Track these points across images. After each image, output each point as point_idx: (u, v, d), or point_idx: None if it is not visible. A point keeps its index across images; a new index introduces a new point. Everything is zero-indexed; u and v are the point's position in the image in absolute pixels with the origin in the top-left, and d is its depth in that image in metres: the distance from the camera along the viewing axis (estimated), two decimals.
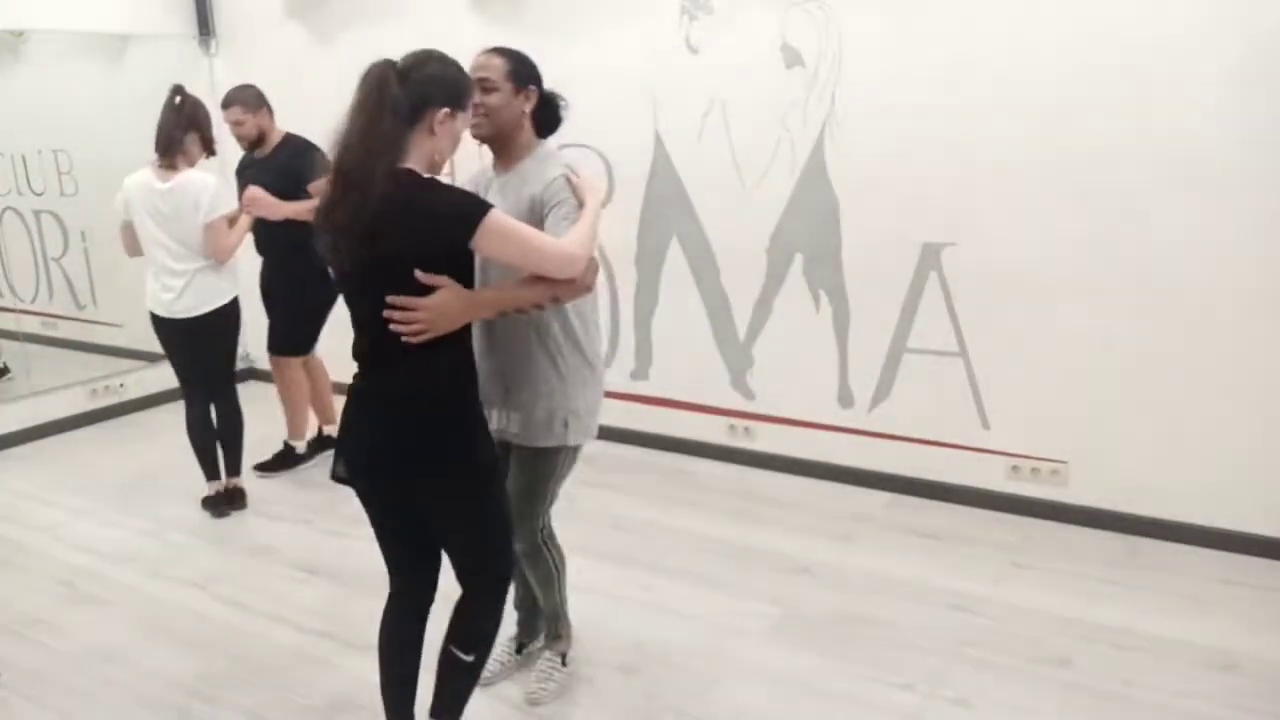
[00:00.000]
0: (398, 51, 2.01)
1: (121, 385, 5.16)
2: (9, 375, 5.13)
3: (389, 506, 2.12)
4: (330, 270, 1.99)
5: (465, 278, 1.96)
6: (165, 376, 5.09)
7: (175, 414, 4.14)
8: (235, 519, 3.86)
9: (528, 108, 2.27)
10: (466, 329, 2.01)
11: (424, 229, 1.87)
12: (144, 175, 3.59)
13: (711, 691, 2.61)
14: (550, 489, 2.42)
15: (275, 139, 4.05)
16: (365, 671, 2.76)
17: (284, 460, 4.35)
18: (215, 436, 3.88)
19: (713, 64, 3.92)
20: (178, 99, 3.58)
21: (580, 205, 2.17)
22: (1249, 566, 3.19)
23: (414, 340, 1.90)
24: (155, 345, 3.87)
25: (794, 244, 3.90)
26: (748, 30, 3.78)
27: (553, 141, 2.37)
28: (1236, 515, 3.27)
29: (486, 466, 2.05)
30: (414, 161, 1.91)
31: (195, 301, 3.62)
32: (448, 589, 2.17)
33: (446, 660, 2.15)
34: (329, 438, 4.44)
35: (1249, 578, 3.13)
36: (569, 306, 2.26)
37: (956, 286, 3.59)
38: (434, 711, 2.19)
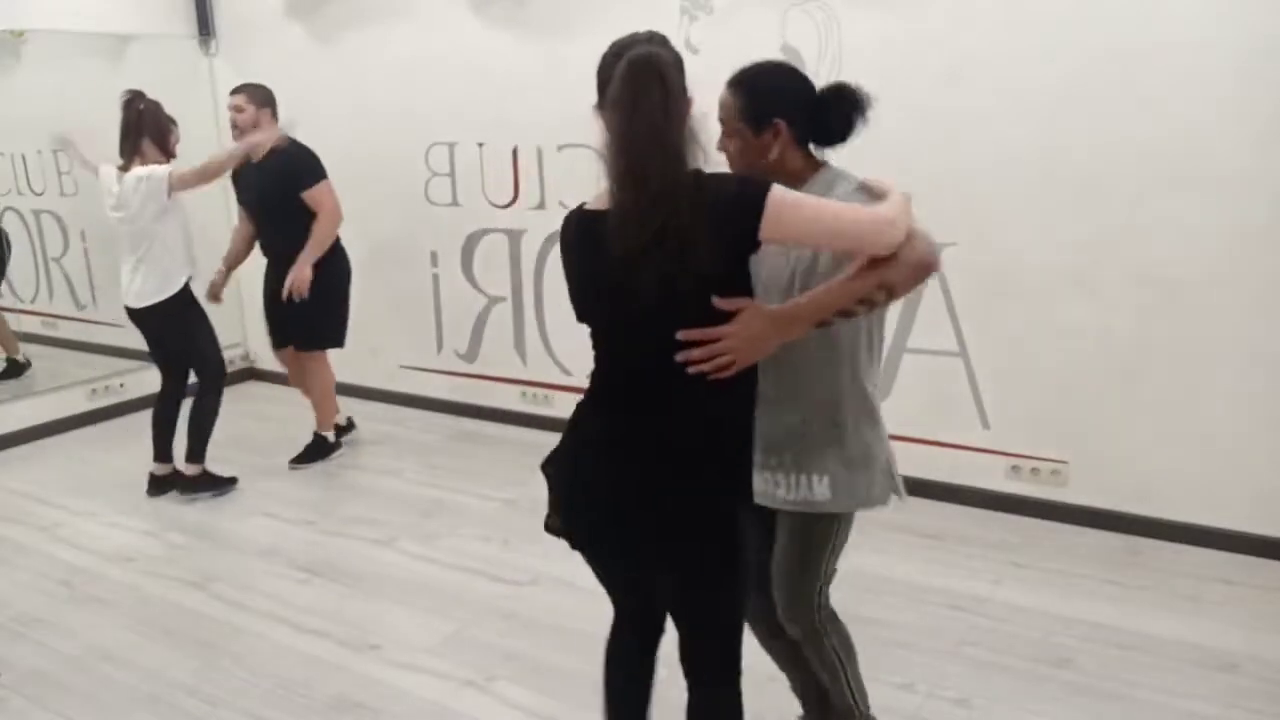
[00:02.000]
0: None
1: (121, 385, 5.16)
2: (29, 370, 5.16)
3: (629, 569, 1.84)
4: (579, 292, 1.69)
5: (749, 293, 1.60)
6: None
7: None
8: (237, 519, 3.85)
9: (778, 148, 1.84)
10: (754, 366, 1.63)
11: (716, 227, 1.51)
12: (109, 170, 3.78)
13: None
14: (827, 561, 2.02)
15: (272, 143, 4.07)
16: (365, 671, 2.77)
17: (318, 451, 4.38)
18: (169, 419, 4.01)
19: (713, 64, 3.89)
20: (136, 104, 3.72)
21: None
22: (1249, 566, 3.19)
23: (720, 375, 1.56)
24: None
25: None
26: (748, 30, 3.78)
27: (838, 160, 2.00)
28: (1236, 515, 3.27)
29: (745, 539, 1.71)
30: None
31: (147, 290, 3.78)
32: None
33: None
34: (340, 427, 4.54)
35: (1249, 578, 3.13)
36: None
37: (956, 286, 3.59)
38: None
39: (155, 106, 3.77)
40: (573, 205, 1.74)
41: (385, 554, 3.49)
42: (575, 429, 1.73)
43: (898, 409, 3.79)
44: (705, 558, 1.67)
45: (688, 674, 1.84)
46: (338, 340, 4.33)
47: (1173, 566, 3.22)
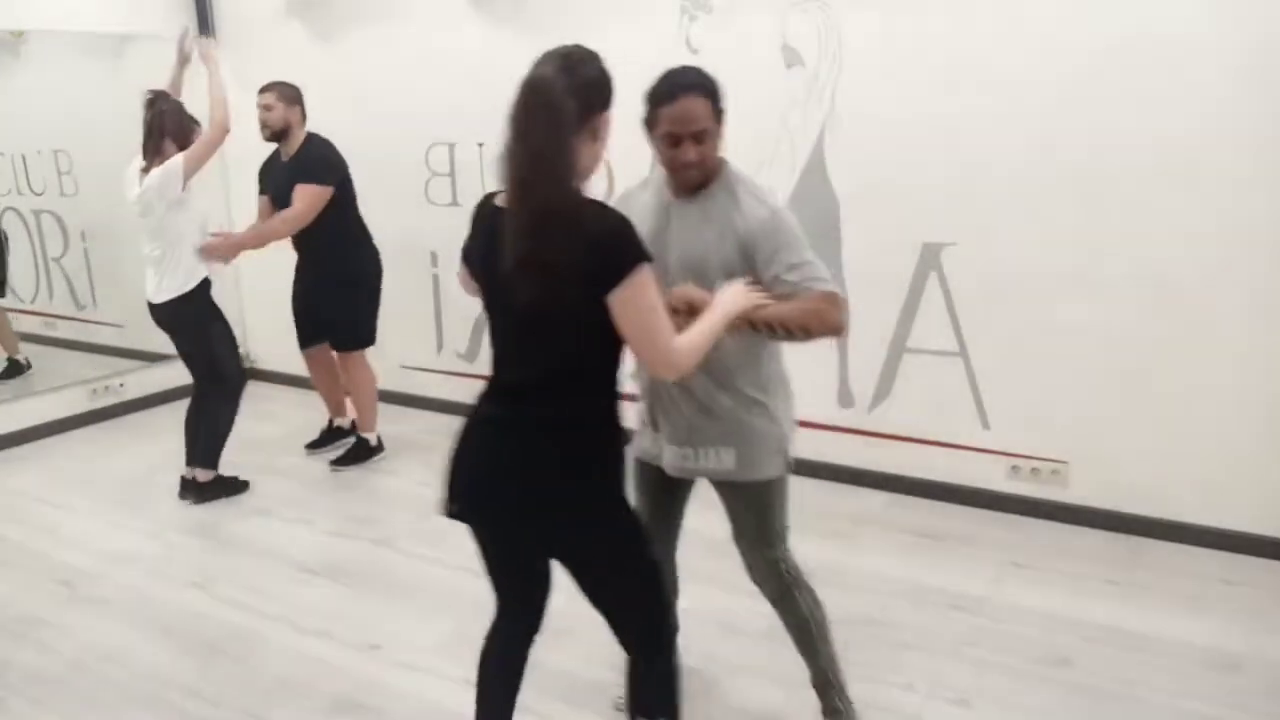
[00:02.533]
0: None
1: (121, 385, 5.16)
2: (29, 371, 5.15)
3: (514, 547, 1.96)
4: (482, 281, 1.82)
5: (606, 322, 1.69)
6: (165, 376, 5.12)
7: (175, 414, 4.15)
8: (238, 519, 3.85)
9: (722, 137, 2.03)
10: (618, 359, 1.78)
11: (588, 264, 1.63)
12: (132, 168, 3.75)
13: (711, 691, 2.61)
14: (782, 520, 2.28)
15: (299, 140, 4.09)
16: (366, 671, 2.77)
17: (361, 453, 4.37)
18: (197, 423, 3.98)
19: (713, 64, 3.88)
20: (159, 105, 3.69)
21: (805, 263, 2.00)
22: (1249, 566, 3.19)
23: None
24: (155, 345, 3.93)
25: None
26: (748, 30, 3.78)
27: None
28: (1236, 515, 3.27)
29: (633, 510, 1.88)
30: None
31: (166, 287, 3.75)
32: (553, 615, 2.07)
33: None
34: (339, 429, 4.55)
35: (1249, 578, 3.13)
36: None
37: (956, 286, 3.59)
38: None
39: (177, 107, 3.75)
40: None
41: (385, 554, 3.50)
42: (470, 413, 1.85)
43: (898, 409, 3.81)
44: (582, 538, 1.82)
45: (624, 647, 1.98)
46: (372, 339, 4.32)
47: (1173, 566, 3.22)
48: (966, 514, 3.65)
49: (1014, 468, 3.62)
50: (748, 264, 2.00)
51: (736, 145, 3.96)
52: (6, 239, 5.27)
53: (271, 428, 4.69)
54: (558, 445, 1.75)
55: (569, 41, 1.75)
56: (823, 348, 3.92)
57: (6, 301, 5.24)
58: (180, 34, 3.96)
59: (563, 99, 1.61)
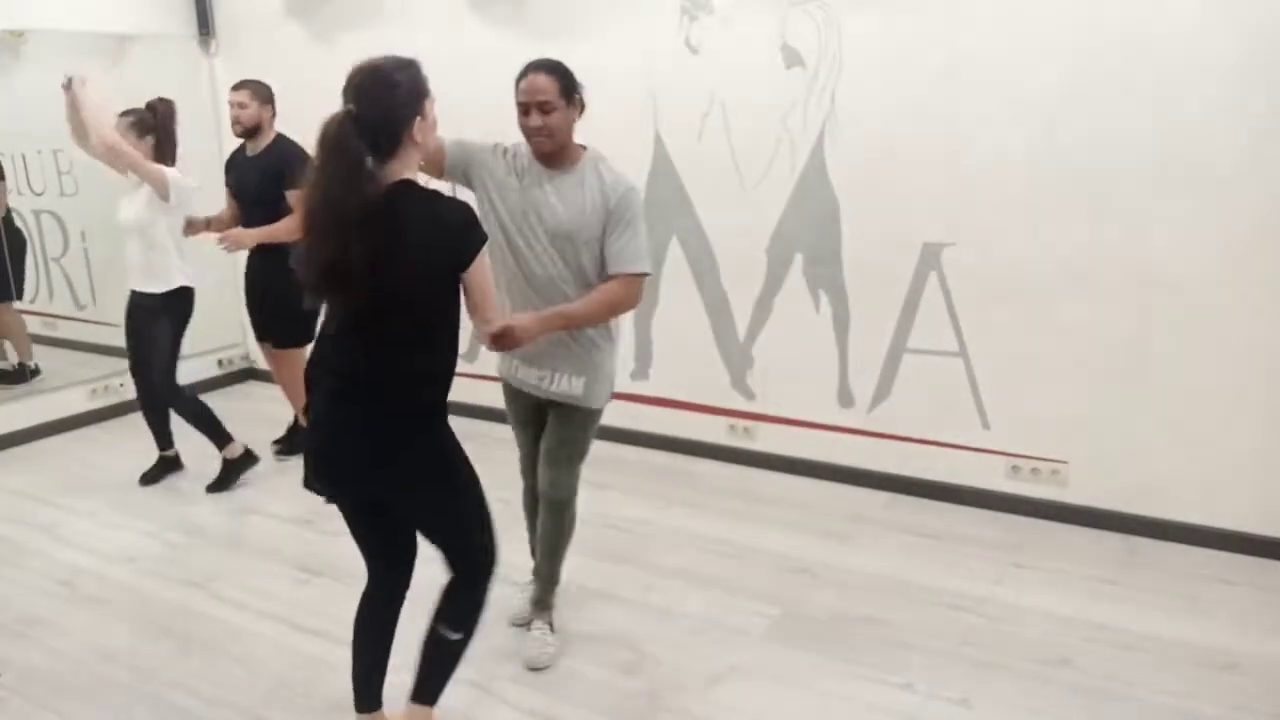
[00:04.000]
0: (398, 51, 2.02)
1: (121, 385, 5.15)
2: (40, 375, 5.16)
3: (359, 508, 2.22)
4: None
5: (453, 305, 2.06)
6: None
7: (175, 414, 4.15)
8: (237, 520, 3.86)
9: (577, 116, 2.47)
10: (456, 329, 2.08)
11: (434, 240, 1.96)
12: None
13: (711, 691, 2.61)
14: (589, 444, 2.71)
15: (268, 138, 4.10)
16: None
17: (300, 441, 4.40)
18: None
19: (713, 64, 3.92)
20: (149, 108, 3.83)
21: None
22: (1249, 566, 3.19)
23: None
24: None
25: (794, 244, 3.90)
26: (748, 30, 3.78)
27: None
28: (1236, 515, 3.27)
29: (454, 453, 2.16)
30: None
31: (148, 276, 3.86)
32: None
33: (433, 641, 2.22)
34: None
35: (1249, 578, 3.13)
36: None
37: (956, 286, 3.59)
38: (414, 696, 2.24)
39: (169, 107, 3.88)
40: None
41: None
42: (320, 389, 2.09)
43: (898, 409, 3.81)
44: (415, 476, 2.09)
45: (451, 570, 2.24)
46: (306, 338, 4.25)
47: (1173, 566, 3.22)
48: (966, 514, 3.65)
49: (1014, 468, 3.62)
50: (604, 233, 2.46)
51: (737, 144, 4.00)
52: (27, 241, 5.30)
53: (271, 428, 4.69)
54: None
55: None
56: (824, 347, 3.93)
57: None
58: (63, 82, 3.84)
59: (352, 141, 1.86)
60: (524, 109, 2.42)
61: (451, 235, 1.95)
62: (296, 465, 4.28)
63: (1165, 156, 3.15)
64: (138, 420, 5.03)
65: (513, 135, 2.51)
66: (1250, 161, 3.04)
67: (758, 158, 3.90)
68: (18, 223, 5.27)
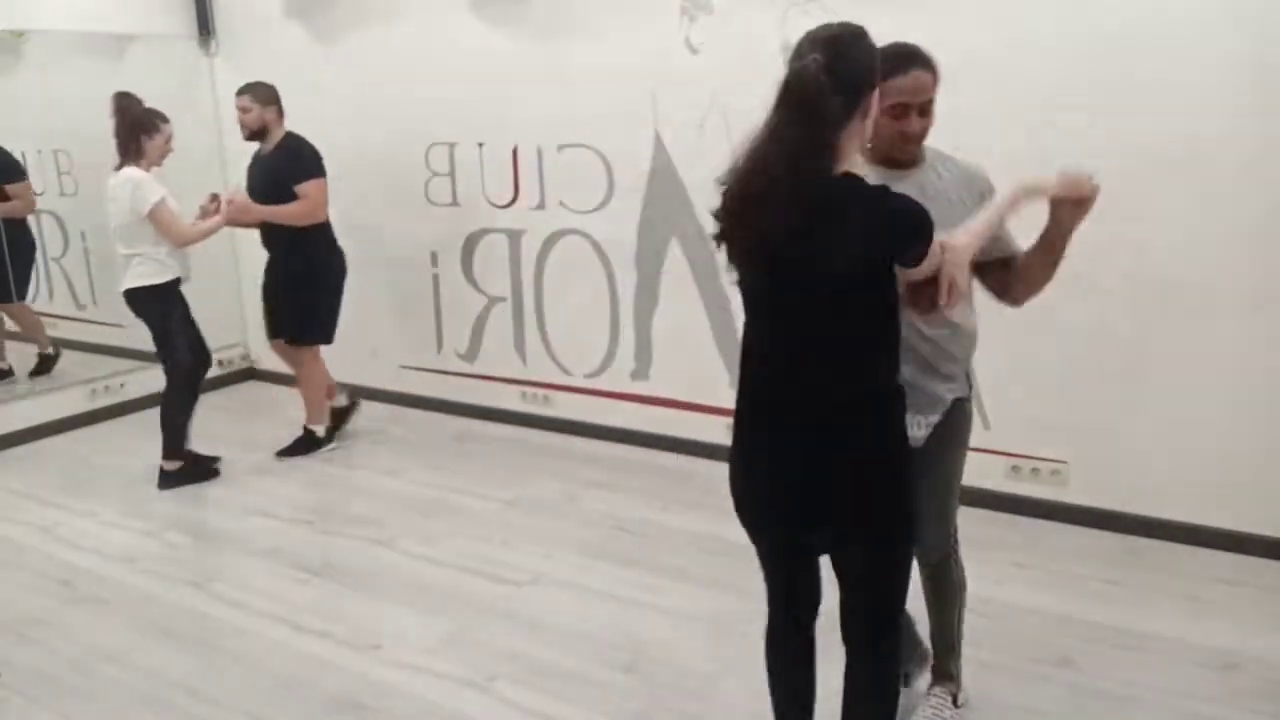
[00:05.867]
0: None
1: (122, 385, 5.16)
2: (12, 377, 5.15)
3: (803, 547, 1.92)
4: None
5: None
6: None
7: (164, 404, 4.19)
8: (237, 520, 3.85)
9: None
10: (897, 317, 1.80)
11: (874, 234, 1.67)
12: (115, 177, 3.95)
13: (712, 691, 2.61)
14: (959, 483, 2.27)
15: (278, 137, 4.18)
16: (365, 671, 2.77)
17: (306, 445, 4.45)
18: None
19: (713, 64, 3.92)
20: (121, 106, 3.92)
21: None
22: (1249, 566, 3.19)
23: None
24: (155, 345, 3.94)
25: None
26: (748, 30, 3.78)
27: None
28: (1236, 515, 3.27)
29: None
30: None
31: (128, 279, 3.95)
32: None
33: None
34: (341, 409, 4.64)
35: (1249, 578, 3.13)
36: None
37: None
38: None
39: (138, 101, 3.94)
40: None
41: (385, 554, 3.49)
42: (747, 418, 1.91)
43: None
44: (875, 529, 1.81)
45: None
46: (324, 336, 4.37)
47: (1173, 566, 3.22)
48: (966, 514, 3.61)
49: (1014, 468, 3.62)
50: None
51: (737, 145, 3.98)
52: (35, 246, 5.35)
53: (271, 428, 4.69)
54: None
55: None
56: None
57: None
58: (208, 198, 4.13)
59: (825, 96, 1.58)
60: (900, 110, 1.99)
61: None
62: (297, 465, 4.33)
63: (1165, 156, 3.14)
64: (138, 420, 5.04)
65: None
66: (1250, 161, 3.04)
67: None
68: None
